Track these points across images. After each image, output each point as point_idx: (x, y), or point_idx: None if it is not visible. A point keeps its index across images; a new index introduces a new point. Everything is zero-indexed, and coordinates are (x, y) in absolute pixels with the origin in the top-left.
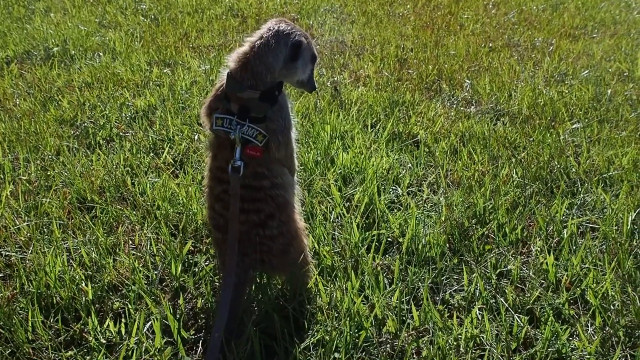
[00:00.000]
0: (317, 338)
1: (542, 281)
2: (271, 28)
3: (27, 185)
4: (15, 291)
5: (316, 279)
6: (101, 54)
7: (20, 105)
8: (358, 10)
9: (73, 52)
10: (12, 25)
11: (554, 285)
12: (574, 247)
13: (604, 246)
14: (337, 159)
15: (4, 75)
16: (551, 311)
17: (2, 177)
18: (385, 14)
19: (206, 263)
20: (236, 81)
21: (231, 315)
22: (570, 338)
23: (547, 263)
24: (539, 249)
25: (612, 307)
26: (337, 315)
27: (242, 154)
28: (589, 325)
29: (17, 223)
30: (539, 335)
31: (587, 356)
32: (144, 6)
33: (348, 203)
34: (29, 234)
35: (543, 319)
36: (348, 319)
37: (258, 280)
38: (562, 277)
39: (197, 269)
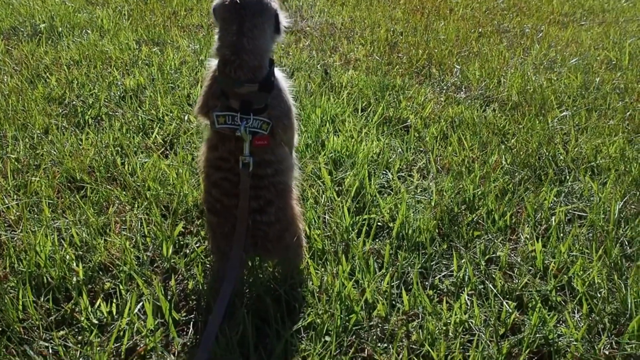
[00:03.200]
0: (308, 321)
1: (530, 268)
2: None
3: (16, 163)
4: (5, 271)
5: (307, 262)
6: (89, 31)
7: (7, 83)
8: None
9: (60, 29)
10: None
11: (542, 272)
12: (562, 235)
13: (591, 234)
14: (327, 143)
15: None
16: (539, 298)
17: None
18: None
19: (197, 245)
20: (231, 78)
21: (224, 297)
22: (558, 325)
23: (535, 250)
24: (527, 235)
25: (598, 295)
26: (328, 299)
27: (250, 147)
28: (576, 312)
29: (7, 202)
30: (527, 322)
31: (574, 342)
32: None
33: (339, 187)
34: (18, 213)
35: (531, 305)
36: (339, 303)
37: (249, 263)
38: (550, 264)
39: (188, 251)
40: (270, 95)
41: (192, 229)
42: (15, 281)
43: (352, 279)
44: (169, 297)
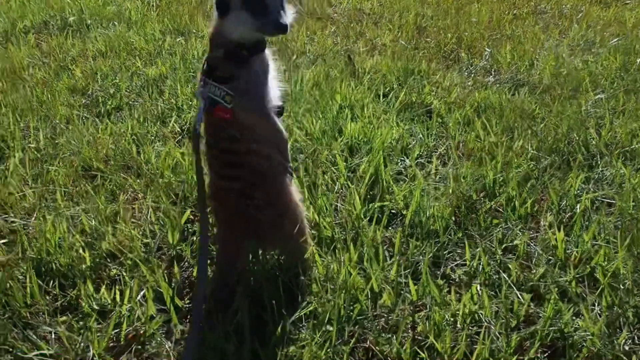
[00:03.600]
0: (309, 309)
1: (549, 258)
2: None
3: (36, 153)
4: (9, 256)
5: (313, 250)
6: (116, 23)
7: (35, 75)
8: None
9: (89, 21)
10: None
11: (562, 263)
12: (587, 224)
13: (619, 222)
14: (345, 129)
15: (22, 45)
16: (555, 289)
17: (13, 144)
18: None
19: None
20: (210, 44)
21: (223, 286)
22: (575, 317)
23: (556, 239)
24: (548, 224)
25: (621, 287)
26: (332, 287)
27: (211, 115)
28: (596, 305)
29: (24, 190)
30: (542, 314)
31: (590, 337)
32: None
33: (354, 174)
34: (34, 201)
35: (548, 297)
36: (343, 292)
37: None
38: (572, 254)
39: (195, 238)
40: (239, 69)
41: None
42: (25, 267)
43: (360, 268)
44: (172, 284)
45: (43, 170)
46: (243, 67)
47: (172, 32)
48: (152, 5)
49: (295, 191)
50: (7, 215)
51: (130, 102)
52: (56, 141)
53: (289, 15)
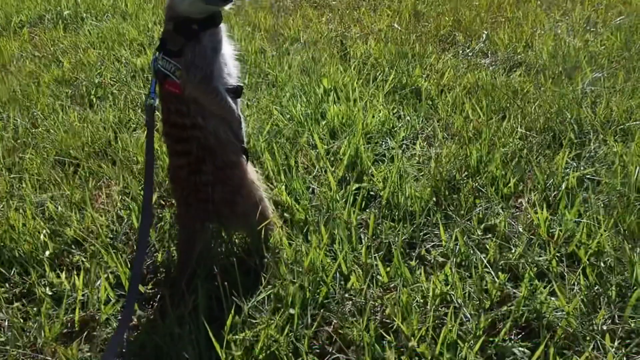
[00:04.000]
0: (273, 292)
1: (531, 237)
2: None
3: (13, 142)
4: None
5: (279, 232)
6: (111, 15)
7: (23, 68)
8: None
9: (84, 15)
10: None
11: (543, 242)
12: (572, 202)
13: (607, 200)
14: (328, 113)
15: (15, 39)
16: (534, 268)
17: None
18: None
19: (172, 218)
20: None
21: (183, 268)
22: (551, 297)
23: (539, 218)
24: (531, 202)
25: (603, 265)
26: (300, 270)
27: (161, 89)
28: (576, 284)
29: None
30: (518, 294)
31: (566, 317)
32: None
33: (334, 157)
34: (3, 190)
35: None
36: (310, 274)
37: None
38: (555, 234)
39: (162, 223)
40: (188, 43)
41: (171, 201)
42: None
43: (330, 250)
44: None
45: (16, 159)
46: (192, 41)
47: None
48: None
49: (251, 170)
50: None
51: (115, 92)
52: (33, 131)
53: None
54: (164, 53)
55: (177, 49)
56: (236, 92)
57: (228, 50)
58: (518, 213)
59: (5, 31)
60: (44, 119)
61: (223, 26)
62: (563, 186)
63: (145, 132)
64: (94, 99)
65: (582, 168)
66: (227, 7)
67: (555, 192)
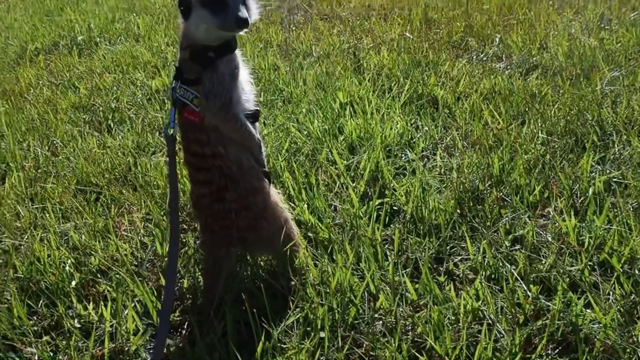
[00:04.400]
0: (301, 316)
1: (560, 246)
2: None
3: (34, 171)
4: None
5: (304, 253)
6: (124, 38)
7: (40, 95)
8: None
9: (98, 39)
10: (43, 18)
11: (574, 251)
12: (600, 207)
13: (636, 204)
14: (345, 127)
15: (30, 67)
16: (567, 279)
17: (12, 165)
18: None
19: (197, 242)
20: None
21: (210, 295)
22: (587, 309)
23: (567, 226)
24: (559, 210)
25: (638, 272)
26: (327, 291)
27: (180, 118)
28: (610, 294)
29: (19, 210)
30: (551, 307)
31: (603, 329)
32: None
33: (354, 172)
34: (27, 220)
35: (558, 289)
36: (338, 295)
37: (248, 259)
38: (585, 241)
39: (186, 248)
40: (204, 71)
41: (194, 226)
42: (14, 288)
43: (356, 269)
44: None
45: (39, 189)
46: (209, 69)
47: (178, 43)
48: (161, 19)
49: (274, 193)
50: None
51: (132, 115)
52: (53, 159)
53: (253, 10)
54: (181, 82)
55: (194, 77)
56: (254, 116)
57: (245, 75)
58: (545, 222)
59: (21, 59)
60: (63, 147)
61: (238, 51)
62: (590, 191)
63: (167, 161)
64: (112, 124)
65: (607, 171)
66: (242, 33)
67: (582, 198)
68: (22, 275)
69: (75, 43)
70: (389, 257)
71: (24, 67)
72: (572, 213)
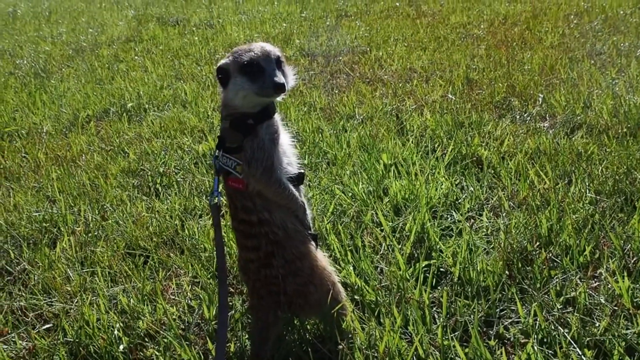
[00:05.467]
0: None
1: (614, 308)
2: None
3: (84, 235)
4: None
5: (351, 317)
6: (171, 104)
7: (91, 160)
8: (430, 36)
9: (147, 105)
10: (95, 87)
11: (628, 313)
12: None
13: None
14: (390, 188)
15: (82, 134)
16: (622, 342)
17: (63, 229)
18: (458, 36)
19: (245, 305)
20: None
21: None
22: None
23: (620, 287)
24: (611, 271)
25: None
26: (375, 355)
27: (225, 186)
28: None
29: (69, 273)
30: None
31: None
32: (219, 56)
33: (400, 234)
34: (77, 284)
35: (613, 353)
36: (387, 359)
37: (296, 322)
38: None
39: (232, 312)
40: (245, 138)
41: (241, 289)
42: (63, 352)
43: (405, 332)
44: None
45: (89, 253)
46: (250, 136)
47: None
48: (207, 85)
49: (321, 256)
50: (51, 299)
51: (179, 179)
52: (102, 223)
53: (290, 77)
54: (223, 150)
55: (235, 145)
56: (298, 179)
57: (285, 139)
58: (597, 283)
59: (73, 126)
60: (112, 211)
61: (278, 116)
62: None
63: (215, 232)
64: (160, 188)
65: None
66: (279, 98)
67: (634, 259)
68: (72, 339)
69: (125, 110)
70: (437, 320)
71: (75, 134)
72: (625, 274)
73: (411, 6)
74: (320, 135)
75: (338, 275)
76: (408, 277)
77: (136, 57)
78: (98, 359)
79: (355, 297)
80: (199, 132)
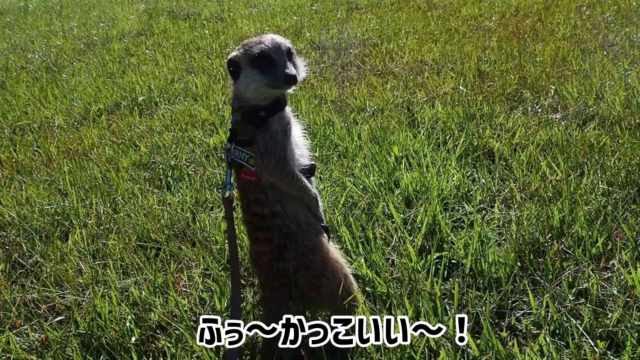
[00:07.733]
0: None
1: (627, 300)
2: None
3: (96, 228)
4: (46, 335)
5: (363, 308)
6: (182, 98)
7: (102, 154)
8: (441, 29)
9: (158, 99)
10: (106, 80)
11: None
12: None
13: None
14: (401, 181)
15: (93, 127)
16: (635, 333)
17: (75, 222)
18: (469, 29)
19: (256, 297)
20: (231, 109)
21: (268, 352)
22: None
23: (633, 278)
24: (623, 262)
25: None
26: (386, 347)
27: (237, 178)
28: None
29: (81, 266)
30: None
31: None
32: (229, 50)
33: (411, 226)
34: (89, 276)
35: (626, 344)
36: (398, 351)
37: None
38: None
39: (244, 304)
40: (257, 131)
41: (253, 281)
42: (76, 344)
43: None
44: (221, 353)
45: (100, 245)
46: (262, 128)
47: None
48: (218, 79)
49: (333, 249)
50: (63, 292)
51: (190, 172)
52: (114, 216)
53: (301, 68)
54: (235, 143)
55: (247, 137)
56: (310, 171)
57: (297, 130)
58: (610, 274)
59: (85, 120)
60: (124, 204)
61: (289, 108)
62: None
63: (227, 225)
64: (171, 181)
65: None
66: (291, 90)
67: None
68: (84, 331)
69: (136, 103)
70: (448, 311)
71: (87, 128)
72: (638, 265)
73: None
74: (331, 127)
75: (350, 267)
76: (419, 269)
77: (147, 51)
78: (110, 351)
79: (367, 289)
80: (210, 125)
